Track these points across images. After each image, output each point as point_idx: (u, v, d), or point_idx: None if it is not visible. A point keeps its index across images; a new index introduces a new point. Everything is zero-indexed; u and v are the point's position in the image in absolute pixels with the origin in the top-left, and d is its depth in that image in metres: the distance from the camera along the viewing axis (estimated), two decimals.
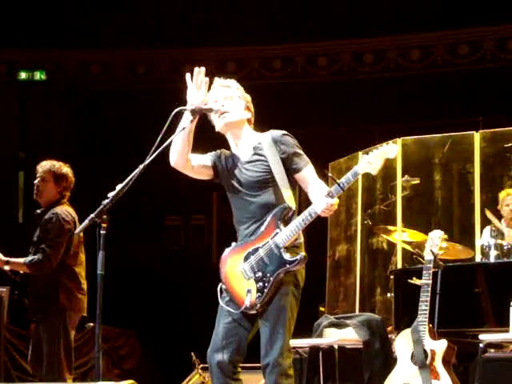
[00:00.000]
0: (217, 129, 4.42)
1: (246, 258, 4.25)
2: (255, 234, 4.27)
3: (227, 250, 4.37)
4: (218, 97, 4.40)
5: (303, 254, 4.17)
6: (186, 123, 4.25)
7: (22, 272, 5.90)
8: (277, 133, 4.38)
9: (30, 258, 5.81)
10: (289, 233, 4.16)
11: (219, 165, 4.46)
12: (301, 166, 4.30)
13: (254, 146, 4.39)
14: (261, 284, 4.18)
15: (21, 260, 5.82)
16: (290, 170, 4.30)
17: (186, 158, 4.39)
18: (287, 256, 4.15)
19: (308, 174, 4.30)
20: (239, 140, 4.44)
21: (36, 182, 5.95)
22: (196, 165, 4.44)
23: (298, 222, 4.16)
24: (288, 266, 4.15)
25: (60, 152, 11.30)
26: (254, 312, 4.20)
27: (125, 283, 10.06)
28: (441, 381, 4.99)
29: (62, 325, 5.83)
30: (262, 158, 4.33)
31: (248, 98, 4.48)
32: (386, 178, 7.74)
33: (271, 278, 4.16)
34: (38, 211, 6.00)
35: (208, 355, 4.28)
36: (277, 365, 4.13)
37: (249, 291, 4.19)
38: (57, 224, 5.82)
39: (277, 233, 4.19)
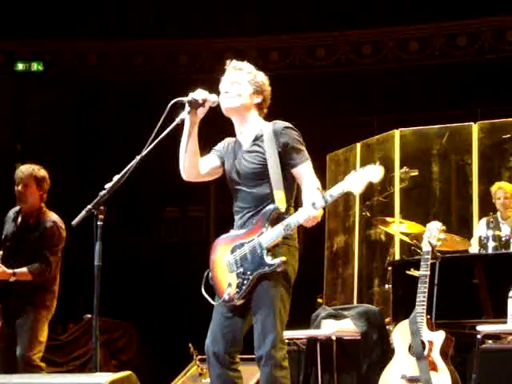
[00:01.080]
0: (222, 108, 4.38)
1: (233, 251, 4.26)
2: (246, 226, 4.27)
3: (220, 238, 4.38)
4: (225, 81, 4.37)
5: (283, 258, 4.12)
6: (184, 115, 4.24)
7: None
8: (279, 125, 4.32)
9: (34, 265, 5.87)
10: (272, 236, 4.15)
11: (225, 157, 4.44)
12: (297, 161, 4.25)
13: (256, 136, 4.36)
14: (240, 280, 4.20)
15: (25, 269, 5.88)
16: (286, 165, 4.25)
17: (197, 169, 4.38)
18: (268, 259, 4.13)
19: (303, 171, 4.25)
20: (243, 127, 4.41)
21: (19, 188, 5.99)
22: (207, 171, 4.44)
23: (282, 229, 4.13)
24: (266, 268, 4.14)
25: (57, 143, 11.38)
26: (232, 304, 4.21)
27: (122, 275, 10.07)
28: (438, 372, 4.98)
29: (45, 323, 5.96)
30: (261, 150, 4.29)
31: (260, 82, 4.38)
32: (385, 170, 7.72)
33: (250, 277, 4.17)
34: (11, 213, 6.07)
35: (206, 345, 4.30)
36: (270, 357, 4.13)
37: (229, 285, 4.22)
38: (56, 231, 5.95)
39: (262, 232, 4.17)
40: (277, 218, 4.17)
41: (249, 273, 4.17)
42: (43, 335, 5.95)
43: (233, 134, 4.47)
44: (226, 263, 4.27)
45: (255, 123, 4.39)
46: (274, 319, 4.15)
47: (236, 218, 4.34)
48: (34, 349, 5.85)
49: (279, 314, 4.17)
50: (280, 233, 4.14)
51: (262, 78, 4.41)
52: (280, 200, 4.19)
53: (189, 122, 4.28)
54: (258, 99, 4.37)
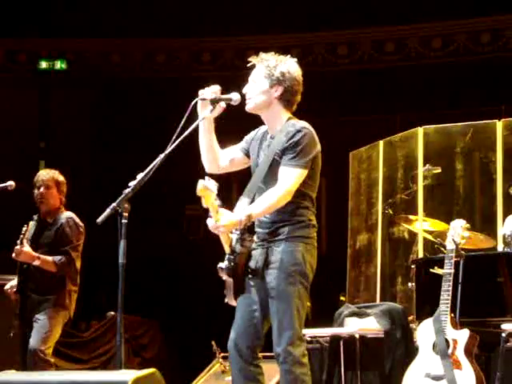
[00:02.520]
0: None
1: None
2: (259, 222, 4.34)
3: None
4: (249, 79, 4.38)
5: (218, 266, 4.21)
6: (207, 113, 4.24)
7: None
8: (295, 125, 4.27)
9: (58, 257, 6.00)
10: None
11: (250, 147, 4.44)
12: (284, 162, 4.20)
13: (273, 135, 4.36)
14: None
15: (49, 258, 6.00)
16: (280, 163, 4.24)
17: (216, 163, 4.42)
18: (220, 263, 4.24)
19: (282, 173, 4.19)
20: (268, 122, 4.41)
21: (41, 190, 6.16)
22: (227, 163, 4.47)
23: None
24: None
25: (80, 141, 11.42)
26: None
27: (145, 272, 10.09)
28: (463, 370, 4.96)
29: (61, 322, 6.06)
30: (270, 151, 4.30)
31: (279, 74, 4.30)
32: (407, 167, 7.70)
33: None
34: (35, 217, 6.21)
35: (228, 340, 4.33)
36: (288, 354, 4.14)
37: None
38: (75, 227, 6.12)
39: None
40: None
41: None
42: (57, 333, 6.02)
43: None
44: None
45: (278, 118, 4.36)
46: (291, 317, 4.16)
47: None
48: (47, 343, 5.94)
49: (297, 312, 4.18)
50: (222, 238, 4.22)
51: (283, 69, 4.31)
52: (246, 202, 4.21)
53: (204, 124, 4.32)
54: (278, 92, 4.32)
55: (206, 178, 4.04)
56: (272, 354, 4.29)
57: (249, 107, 4.36)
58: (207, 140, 4.38)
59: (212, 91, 4.27)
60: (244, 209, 4.16)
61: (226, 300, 4.28)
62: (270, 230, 4.25)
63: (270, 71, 4.32)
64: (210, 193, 3.99)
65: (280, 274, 4.18)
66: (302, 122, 4.33)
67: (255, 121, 4.47)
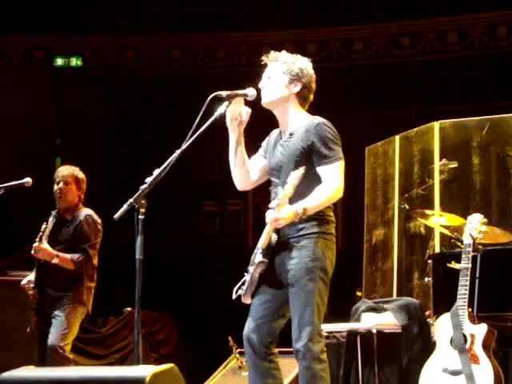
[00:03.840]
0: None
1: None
2: None
3: None
4: (263, 76, 4.38)
5: (259, 260, 4.17)
6: (222, 109, 4.24)
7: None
8: (314, 121, 4.28)
9: (76, 255, 6.01)
10: (263, 237, 4.20)
11: (267, 150, 4.44)
12: (320, 161, 4.21)
13: (293, 129, 4.35)
14: (246, 278, 4.27)
15: (68, 256, 6.01)
16: (311, 162, 4.22)
17: (248, 179, 4.42)
18: (258, 257, 4.19)
19: (323, 172, 4.20)
20: (283, 119, 4.40)
21: (60, 186, 6.16)
22: (258, 176, 4.47)
23: (266, 230, 4.18)
24: (253, 267, 4.20)
25: (96, 138, 11.45)
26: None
27: (162, 268, 10.11)
28: (480, 365, 4.95)
29: (79, 318, 6.08)
30: (290, 145, 4.29)
31: (297, 70, 4.32)
32: (424, 162, 7.67)
33: (249, 275, 4.24)
34: (53, 213, 6.20)
35: (243, 335, 4.34)
36: (308, 350, 4.14)
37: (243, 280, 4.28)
38: (93, 225, 6.14)
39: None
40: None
41: (250, 271, 4.24)
42: (75, 330, 6.05)
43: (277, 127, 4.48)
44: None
45: (296, 115, 4.36)
46: (311, 312, 4.16)
47: None
48: (66, 340, 5.96)
49: (317, 308, 4.18)
50: (264, 232, 4.18)
51: (301, 65, 4.34)
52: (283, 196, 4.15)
53: (231, 135, 4.30)
54: (297, 88, 4.33)
55: (301, 168, 4.09)
56: (289, 349, 4.30)
57: (265, 101, 4.35)
58: (239, 154, 4.37)
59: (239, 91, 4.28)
60: (298, 202, 4.12)
61: (236, 296, 4.27)
62: (289, 225, 4.24)
63: (289, 67, 4.33)
64: (295, 184, 4.03)
65: (300, 269, 4.18)
66: (317, 117, 4.34)
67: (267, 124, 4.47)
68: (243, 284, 4.27)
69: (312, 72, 4.38)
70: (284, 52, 4.42)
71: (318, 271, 4.20)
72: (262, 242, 4.19)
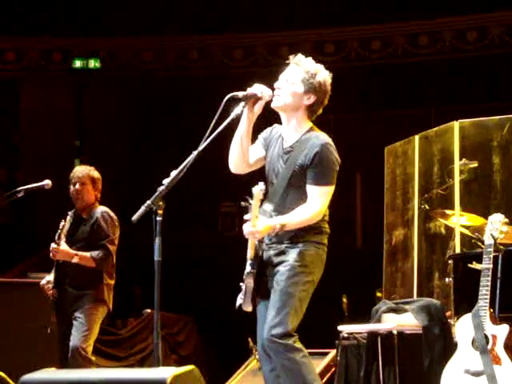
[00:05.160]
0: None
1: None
2: None
3: None
4: (282, 76, 4.34)
5: (247, 271, 4.23)
6: (239, 109, 4.22)
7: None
8: (319, 140, 4.26)
9: (95, 252, 6.02)
10: (248, 247, 4.25)
11: (269, 146, 4.43)
12: (312, 180, 4.22)
13: (296, 140, 4.32)
14: (242, 287, 4.31)
15: (87, 254, 6.02)
16: (304, 180, 4.24)
17: (246, 163, 4.40)
18: (247, 268, 4.25)
19: (310, 192, 4.22)
20: (289, 125, 4.38)
21: (77, 187, 6.19)
22: (253, 162, 4.45)
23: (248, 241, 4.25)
24: (244, 278, 4.25)
25: (114, 139, 11.48)
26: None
27: (181, 269, 10.12)
28: (502, 366, 4.91)
29: (100, 317, 6.08)
30: (290, 157, 4.28)
31: (316, 83, 4.28)
32: (444, 162, 7.62)
33: (242, 285, 4.28)
34: (70, 213, 6.23)
35: (257, 344, 4.36)
36: (278, 345, 4.15)
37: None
38: (110, 221, 6.16)
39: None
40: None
41: (244, 281, 4.29)
42: (97, 330, 6.05)
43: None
44: None
45: (299, 126, 4.34)
46: (287, 314, 4.18)
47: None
48: (88, 341, 5.95)
49: (294, 311, 4.20)
50: (251, 243, 4.23)
51: (321, 79, 4.30)
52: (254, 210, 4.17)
53: (245, 118, 4.27)
54: (310, 101, 4.30)
55: (261, 183, 4.09)
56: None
57: (277, 104, 4.32)
58: (245, 142, 4.34)
59: (254, 89, 4.24)
60: (278, 217, 4.17)
61: (238, 305, 4.29)
62: (285, 231, 4.25)
63: (310, 78, 4.28)
64: (260, 198, 4.04)
65: (287, 271, 4.22)
66: (323, 134, 4.32)
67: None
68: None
69: (329, 87, 4.33)
70: (310, 59, 4.36)
71: (303, 277, 4.23)
72: (249, 254, 4.25)
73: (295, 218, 4.18)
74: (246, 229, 4.12)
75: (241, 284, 4.31)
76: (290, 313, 4.16)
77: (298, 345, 4.18)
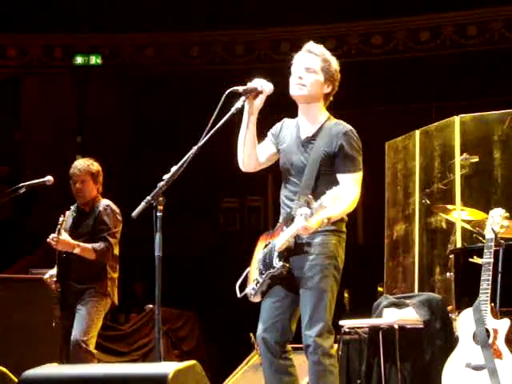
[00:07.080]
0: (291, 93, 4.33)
1: (264, 248, 4.32)
2: (280, 223, 4.30)
3: (264, 233, 4.43)
4: (300, 65, 4.30)
5: (282, 263, 4.16)
6: (239, 104, 4.21)
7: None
8: (341, 128, 4.26)
9: (96, 244, 6.01)
10: (282, 240, 4.19)
11: (281, 141, 4.41)
12: (343, 169, 4.21)
13: (316, 130, 4.32)
14: (257, 278, 4.28)
15: (89, 246, 6.02)
16: (334, 168, 4.22)
17: (255, 160, 4.38)
18: (275, 261, 4.19)
19: (343, 180, 4.20)
20: (307, 114, 4.36)
21: (77, 186, 6.17)
22: (264, 159, 4.43)
23: (288, 235, 4.16)
24: (271, 270, 4.20)
25: (116, 135, 11.49)
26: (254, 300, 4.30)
27: (182, 265, 10.13)
28: (503, 360, 4.91)
29: (102, 311, 6.07)
30: (312, 147, 4.26)
31: (333, 71, 4.29)
32: (444, 157, 7.63)
33: (263, 277, 4.24)
34: (73, 208, 6.23)
35: (257, 335, 4.36)
36: (318, 346, 4.15)
37: (254, 280, 4.29)
38: (112, 214, 6.14)
39: (281, 234, 4.22)
40: (292, 219, 4.16)
41: (263, 273, 4.25)
42: (99, 323, 6.05)
43: (292, 117, 4.45)
44: (257, 259, 4.33)
45: (319, 114, 4.33)
46: (323, 309, 4.18)
47: (281, 207, 4.35)
48: (89, 334, 5.94)
49: (329, 304, 4.19)
50: (286, 238, 4.17)
51: (336, 67, 4.32)
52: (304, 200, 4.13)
53: (247, 113, 4.26)
54: (329, 89, 4.31)
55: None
56: (299, 345, 4.30)
57: (302, 93, 4.28)
58: (249, 137, 4.31)
59: (254, 84, 4.23)
60: (323, 212, 4.05)
61: (242, 294, 4.31)
62: None
63: (328, 67, 4.29)
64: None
65: (315, 266, 4.19)
66: (344, 122, 4.32)
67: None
68: (246, 281, 4.32)
69: (339, 76, 4.35)
70: (321, 46, 4.34)
71: (332, 269, 4.21)
72: (280, 246, 4.19)
73: (338, 209, 4.12)
74: (301, 223, 4.06)
75: (257, 276, 4.27)
76: (326, 307, 4.17)
77: (332, 351, 4.20)
